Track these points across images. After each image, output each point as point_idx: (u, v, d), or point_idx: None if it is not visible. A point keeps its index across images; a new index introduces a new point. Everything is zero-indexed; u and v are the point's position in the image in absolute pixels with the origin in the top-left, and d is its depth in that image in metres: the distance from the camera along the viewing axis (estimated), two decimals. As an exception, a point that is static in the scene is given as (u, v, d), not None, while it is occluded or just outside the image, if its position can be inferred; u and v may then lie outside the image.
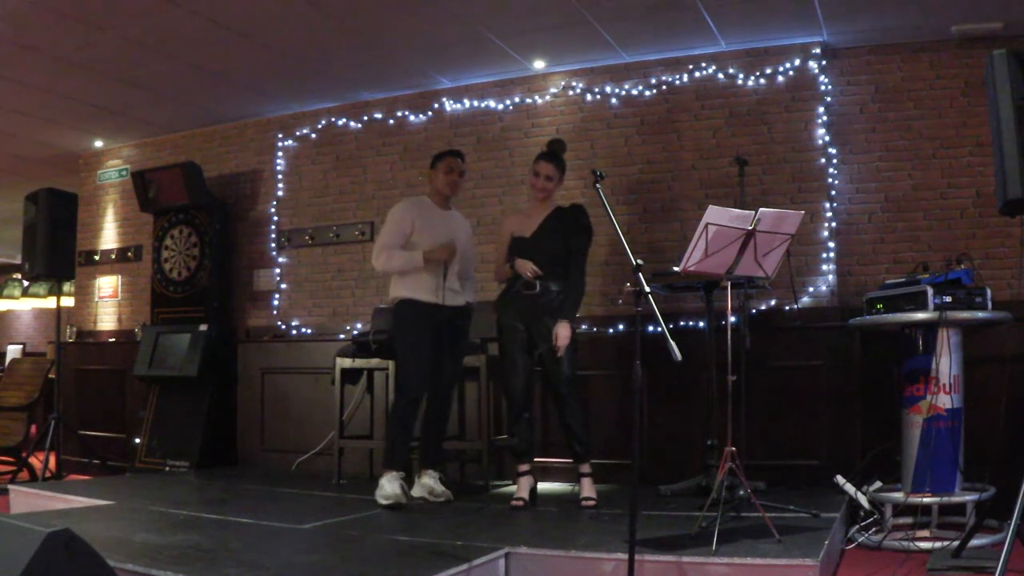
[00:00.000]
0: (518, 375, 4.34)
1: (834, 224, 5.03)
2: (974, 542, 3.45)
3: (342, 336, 5.99)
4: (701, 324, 4.89)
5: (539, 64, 5.65)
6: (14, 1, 4.56)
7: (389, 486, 4.29)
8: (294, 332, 6.39)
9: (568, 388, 4.26)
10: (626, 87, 5.53)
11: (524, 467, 4.38)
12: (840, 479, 4.08)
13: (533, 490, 4.40)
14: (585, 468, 4.33)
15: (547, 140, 4.61)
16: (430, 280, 4.41)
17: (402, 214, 4.51)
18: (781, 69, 5.17)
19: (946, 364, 3.97)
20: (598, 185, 3.49)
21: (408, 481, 4.45)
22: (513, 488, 4.49)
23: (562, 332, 4.18)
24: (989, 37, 4.75)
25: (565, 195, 5.44)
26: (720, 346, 4.08)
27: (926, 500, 3.90)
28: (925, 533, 3.82)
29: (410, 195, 5.89)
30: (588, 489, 4.30)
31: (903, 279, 4.23)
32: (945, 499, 3.90)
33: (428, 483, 4.48)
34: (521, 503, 4.27)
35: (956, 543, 3.45)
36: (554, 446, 5.09)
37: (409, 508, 4.28)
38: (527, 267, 4.28)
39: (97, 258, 7.44)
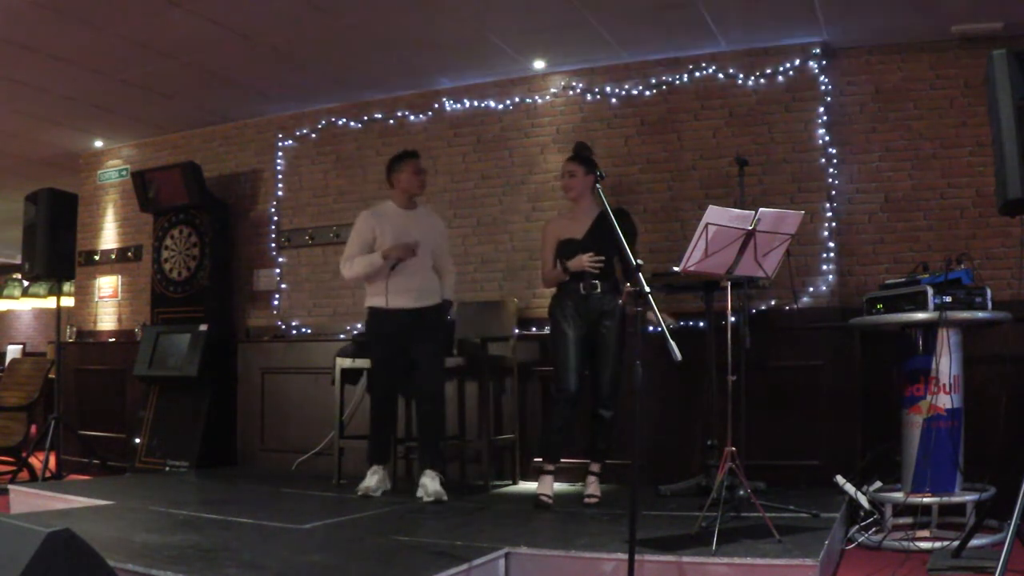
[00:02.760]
0: (572, 376, 4.29)
1: (834, 224, 5.03)
2: (974, 542, 3.45)
3: (342, 336, 5.99)
4: (701, 324, 4.89)
5: (539, 64, 5.65)
6: (14, 1, 4.56)
7: (366, 479, 4.69)
8: (294, 332, 6.39)
9: (614, 387, 4.30)
10: (626, 87, 5.53)
11: (551, 466, 4.36)
12: (840, 479, 4.08)
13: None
14: (596, 467, 4.38)
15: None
16: (390, 284, 4.59)
17: (363, 223, 4.71)
18: (781, 69, 5.17)
19: (946, 364, 3.97)
20: (598, 185, 3.49)
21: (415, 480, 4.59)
22: (514, 488, 4.49)
23: (652, 315, 4.20)
24: (989, 37, 4.74)
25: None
26: (720, 346, 4.08)
27: (926, 500, 3.90)
28: (925, 533, 3.82)
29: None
30: (594, 487, 4.34)
31: (903, 279, 4.23)
32: (945, 499, 3.90)
33: (424, 482, 4.51)
34: (550, 500, 4.25)
35: (956, 543, 3.45)
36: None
37: (409, 508, 4.29)
38: (584, 259, 4.25)
39: (97, 258, 7.44)
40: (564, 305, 4.38)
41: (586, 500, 4.28)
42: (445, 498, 4.42)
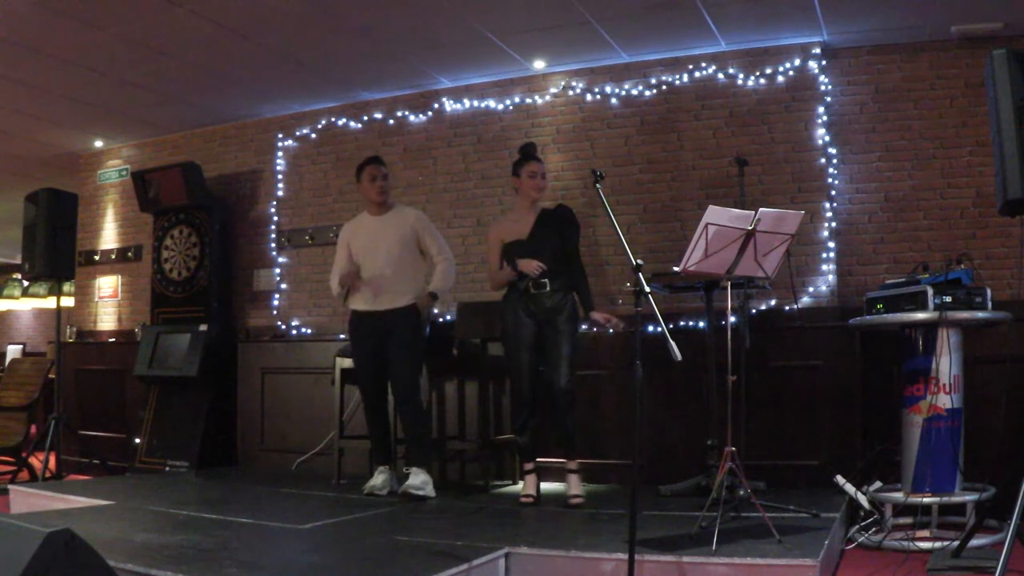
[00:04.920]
0: (525, 375, 4.38)
1: (834, 224, 5.03)
2: (974, 542, 3.45)
3: (342, 336, 5.97)
4: (701, 324, 4.89)
5: (539, 64, 5.65)
6: (14, 1, 4.57)
7: (373, 478, 4.79)
8: (294, 332, 6.39)
9: (568, 385, 4.31)
10: (626, 87, 5.53)
11: (530, 465, 4.46)
12: (840, 479, 4.08)
13: (538, 487, 4.42)
14: (573, 465, 4.40)
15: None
16: (370, 287, 4.71)
17: (341, 238, 4.93)
18: (781, 69, 5.17)
19: (946, 364, 3.97)
20: (598, 185, 3.49)
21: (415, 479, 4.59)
22: (514, 488, 4.49)
23: (600, 316, 4.36)
24: (989, 37, 4.75)
25: (564, 195, 5.46)
26: (720, 346, 4.08)
27: (926, 500, 3.90)
28: (925, 533, 3.82)
29: (409, 196, 5.94)
30: (576, 487, 4.35)
31: (903, 279, 4.23)
32: (945, 499, 3.90)
33: (410, 480, 4.53)
34: (531, 499, 4.34)
35: (956, 543, 3.45)
36: (553, 447, 5.09)
37: (409, 508, 4.29)
38: (532, 264, 4.31)
39: (97, 258, 7.44)
40: (514, 305, 4.43)
41: (571, 502, 4.27)
42: (420, 492, 4.46)
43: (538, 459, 4.52)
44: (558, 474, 5.14)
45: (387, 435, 4.88)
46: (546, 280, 4.35)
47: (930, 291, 3.96)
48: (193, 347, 6.30)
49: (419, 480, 4.51)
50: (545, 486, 4.59)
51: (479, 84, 5.93)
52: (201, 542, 3.38)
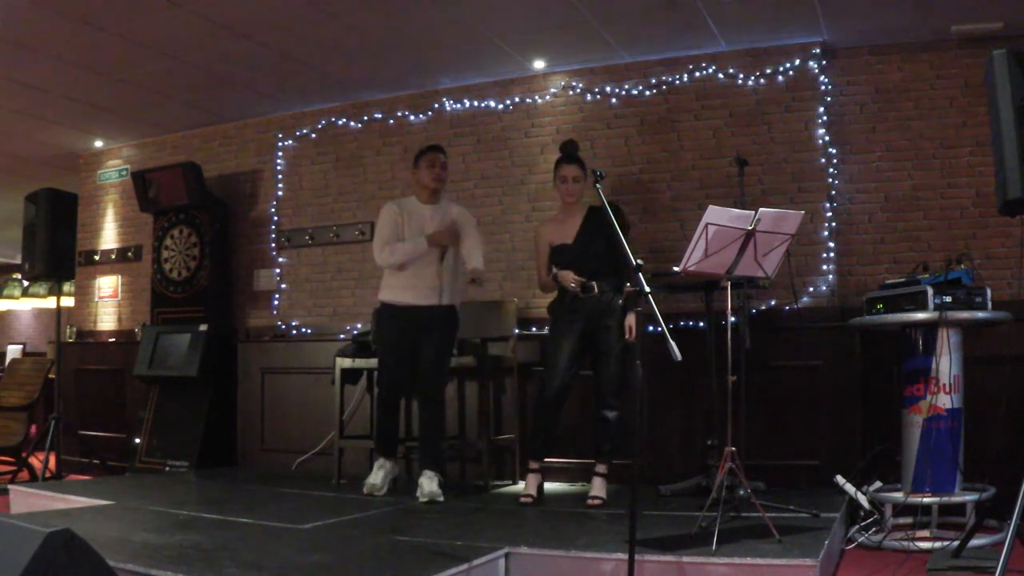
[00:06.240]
0: (559, 377, 4.29)
1: (834, 224, 5.04)
2: (974, 542, 3.45)
3: (342, 336, 5.99)
4: (701, 324, 4.89)
5: (539, 64, 5.65)
6: (14, 1, 4.56)
7: (372, 475, 4.73)
8: (294, 332, 6.39)
9: (616, 387, 4.25)
10: (626, 87, 5.53)
11: (535, 465, 4.43)
12: (840, 479, 4.09)
13: (540, 487, 4.42)
14: (602, 468, 4.34)
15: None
16: (402, 279, 4.58)
17: (390, 210, 4.70)
18: (781, 69, 5.17)
19: (946, 364, 3.97)
20: (598, 185, 3.49)
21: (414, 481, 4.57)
22: (514, 488, 4.48)
23: (634, 323, 4.16)
24: (989, 37, 4.74)
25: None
26: (720, 346, 4.08)
27: (926, 500, 3.90)
28: (925, 533, 3.82)
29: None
30: (599, 488, 4.31)
31: (903, 279, 4.23)
32: (945, 499, 3.90)
33: (421, 482, 4.50)
34: (532, 499, 4.33)
35: (956, 543, 3.45)
36: (556, 447, 5.09)
37: (409, 508, 4.29)
38: (568, 278, 4.25)
39: (97, 258, 7.44)
40: (563, 305, 4.38)
41: (589, 502, 4.24)
42: (440, 499, 4.41)
43: (548, 459, 4.48)
44: (557, 474, 5.15)
45: (396, 430, 4.86)
46: (594, 284, 4.27)
47: (930, 291, 3.96)
48: (193, 347, 6.30)
49: (436, 484, 4.47)
50: (548, 487, 4.59)
51: (479, 84, 5.93)
52: (201, 542, 3.38)
